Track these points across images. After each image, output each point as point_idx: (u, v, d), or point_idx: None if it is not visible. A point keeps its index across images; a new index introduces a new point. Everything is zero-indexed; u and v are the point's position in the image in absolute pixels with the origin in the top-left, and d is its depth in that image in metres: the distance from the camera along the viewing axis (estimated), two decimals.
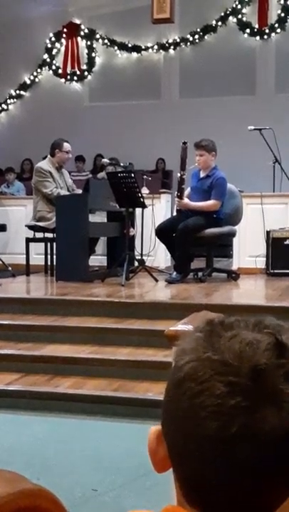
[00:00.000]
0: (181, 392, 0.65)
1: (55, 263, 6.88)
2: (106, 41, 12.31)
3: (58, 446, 3.50)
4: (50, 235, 7.03)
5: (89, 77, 12.54)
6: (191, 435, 0.64)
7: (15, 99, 12.94)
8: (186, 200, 6.46)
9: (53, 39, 12.57)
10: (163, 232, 6.52)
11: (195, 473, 0.65)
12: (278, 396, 0.62)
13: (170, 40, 11.90)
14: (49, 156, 7.30)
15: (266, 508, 0.66)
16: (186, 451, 0.65)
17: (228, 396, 0.62)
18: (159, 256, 7.71)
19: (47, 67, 12.70)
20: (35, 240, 7.29)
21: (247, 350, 0.64)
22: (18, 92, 12.87)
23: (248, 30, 11.42)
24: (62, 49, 12.56)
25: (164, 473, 0.71)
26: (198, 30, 11.67)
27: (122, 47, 12.21)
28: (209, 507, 0.65)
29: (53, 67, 12.66)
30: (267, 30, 11.30)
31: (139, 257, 6.95)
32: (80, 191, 7.23)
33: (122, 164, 7.71)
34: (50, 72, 12.71)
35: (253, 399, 0.62)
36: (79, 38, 12.45)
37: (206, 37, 11.71)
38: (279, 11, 11.23)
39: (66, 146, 7.24)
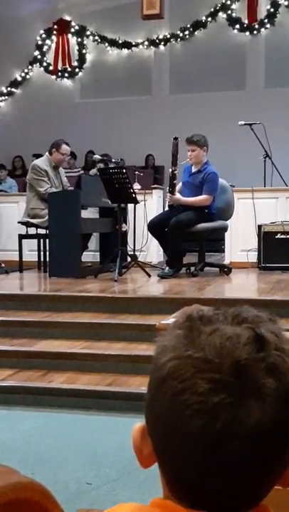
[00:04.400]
0: (164, 390, 0.65)
1: (48, 259, 6.86)
2: (96, 38, 12.29)
3: (52, 441, 3.50)
4: (42, 232, 7.02)
5: (80, 73, 12.52)
6: (176, 433, 0.64)
7: (6, 96, 12.90)
8: (177, 196, 6.46)
9: (44, 36, 12.53)
10: (155, 228, 6.51)
11: (181, 469, 0.65)
12: (261, 390, 0.63)
13: (160, 36, 11.89)
14: (47, 153, 7.27)
15: (252, 500, 0.67)
16: (171, 449, 0.65)
17: (211, 393, 0.62)
18: (152, 251, 7.71)
19: (38, 64, 12.67)
20: (27, 236, 7.27)
21: (227, 346, 0.64)
22: (9, 89, 12.83)
23: (237, 26, 11.42)
24: (53, 46, 12.53)
25: (158, 467, 0.71)
26: (188, 26, 11.66)
27: (113, 43, 12.19)
28: (195, 501, 0.66)
29: (44, 64, 12.63)
30: (256, 26, 11.30)
31: (132, 253, 6.95)
32: (72, 188, 7.22)
33: (113, 160, 7.70)
34: (41, 69, 12.68)
35: (236, 395, 0.62)
36: (69, 35, 12.42)
37: (196, 33, 11.70)
38: (268, 7, 11.23)
39: (64, 148, 7.21)
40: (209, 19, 11.56)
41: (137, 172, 8.07)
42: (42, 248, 7.21)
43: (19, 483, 0.65)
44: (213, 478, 0.63)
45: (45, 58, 12.64)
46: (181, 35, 11.76)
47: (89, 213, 7.28)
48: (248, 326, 0.66)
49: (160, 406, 0.65)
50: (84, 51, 12.45)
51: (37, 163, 7.20)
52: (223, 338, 0.64)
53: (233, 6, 11.40)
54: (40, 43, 12.57)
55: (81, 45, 12.43)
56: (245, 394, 0.62)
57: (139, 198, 6.78)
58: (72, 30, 12.38)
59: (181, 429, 0.63)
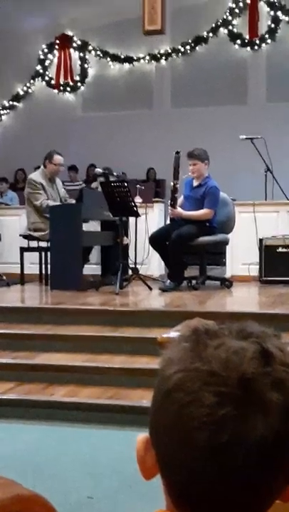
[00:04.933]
0: (170, 402, 0.65)
1: (49, 272, 6.87)
2: (98, 52, 12.36)
3: (53, 454, 3.49)
4: (44, 245, 7.03)
5: (82, 88, 12.58)
6: (181, 445, 0.64)
7: (8, 110, 12.96)
8: (179, 209, 6.47)
9: (46, 50, 12.62)
10: (156, 241, 6.52)
11: (185, 481, 0.66)
12: (266, 404, 0.63)
13: (162, 51, 11.95)
14: (42, 166, 7.30)
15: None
16: (175, 460, 0.66)
17: (217, 406, 0.63)
18: (153, 264, 7.72)
19: (40, 78, 12.74)
20: (29, 249, 7.28)
21: (234, 360, 0.64)
22: (11, 102, 12.90)
23: (238, 41, 11.49)
24: (55, 60, 12.61)
25: (160, 481, 0.71)
26: (190, 41, 11.73)
27: (115, 58, 12.26)
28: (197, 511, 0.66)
29: (46, 78, 12.70)
30: (257, 41, 11.37)
31: (133, 266, 6.95)
32: (73, 201, 7.23)
33: (115, 174, 7.72)
34: (43, 83, 12.75)
35: (242, 408, 0.63)
36: (72, 50, 12.50)
37: (197, 48, 11.77)
38: (269, 22, 11.30)
39: (57, 158, 7.20)
40: (210, 34, 11.64)
41: (138, 185, 8.10)
42: (43, 261, 7.22)
43: (21, 495, 0.65)
44: (215, 490, 0.64)
45: (47, 72, 12.71)
46: (182, 50, 11.83)
47: (90, 226, 7.29)
48: (254, 341, 0.66)
49: (166, 418, 0.66)
50: (86, 66, 12.52)
51: (32, 176, 7.21)
52: (229, 352, 0.65)
53: (234, 22, 11.48)
54: (42, 57, 12.65)
55: (83, 60, 12.51)
56: (251, 407, 0.63)
57: (140, 211, 6.80)
58: (75, 45, 12.46)
59: (186, 440, 0.64)
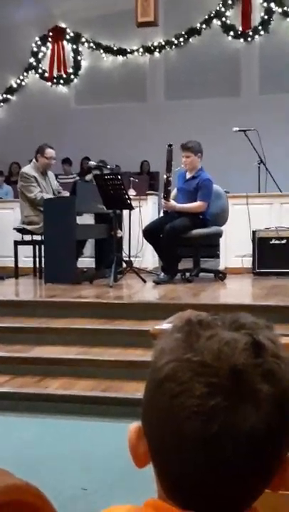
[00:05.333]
0: (161, 392, 0.66)
1: (43, 265, 6.87)
2: (92, 44, 12.32)
3: (48, 447, 3.50)
4: (38, 238, 7.02)
5: (75, 80, 12.55)
6: (172, 435, 0.65)
7: (2, 103, 12.91)
8: (172, 202, 6.47)
9: (39, 43, 12.57)
10: (150, 234, 6.53)
11: (175, 470, 0.66)
12: (256, 395, 0.64)
13: (155, 43, 11.93)
14: (34, 160, 7.29)
15: (244, 501, 0.68)
16: (166, 450, 0.66)
17: (208, 396, 0.63)
18: (147, 257, 7.73)
19: (33, 70, 12.70)
20: (23, 242, 7.27)
21: (225, 351, 0.65)
22: (4, 95, 12.85)
23: (231, 33, 11.46)
24: (49, 53, 12.56)
25: (153, 472, 0.72)
26: (183, 33, 11.70)
27: (108, 50, 12.22)
28: (188, 501, 0.67)
29: (39, 71, 12.66)
30: (250, 33, 11.35)
31: (127, 258, 6.96)
32: (66, 193, 7.22)
33: (108, 167, 7.72)
34: (37, 75, 12.70)
35: (232, 399, 0.63)
36: (65, 42, 12.45)
37: (190, 40, 11.75)
38: (262, 14, 11.28)
39: (48, 152, 7.19)
40: (204, 26, 11.61)
41: (132, 178, 8.10)
42: (37, 254, 7.22)
43: (13, 485, 0.66)
44: (205, 480, 0.65)
45: (40, 65, 12.66)
46: (175, 42, 11.80)
47: (84, 219, 7.29)
48: (246, 332, 0.67)
49: (157, 407, 0.66)
50: (79, 58, 12.48)
51: (24, 170, 7.20)
52: (221, 343, 0.65)
53: (227, 13, 11.46)
54: (35, 49, 12.60)
55: (76, 52, 12.47)
56: (241, 398, 0.63)
57: (134, 204, 6.80)
58: (68, 37, 12.41)
59: (177, 430, 0.64)
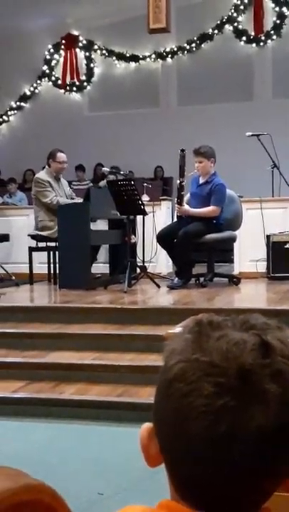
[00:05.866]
0: (170, 392, 0.67)
1: (58, 271, 6.90)
2: (104, 52, 12.38)
3: (63, 451, 3.52)
4: (52, 244, 7.05)
5: (88, 87, 12.61)
6: (181, 435, 0.66)
7: (15, 111, 13.01)
8: (186, 207, 6.48)
9: (52, 51, 12.65)
10: (164, 239, 6.53)
11: (186, 470, 0.67)
12: (265, 395, 0.64)
13: (167, 49, 11.96)
14: (46, 166, 7.33)
15: (254, 502, 0.68)
16: (176, 450, 0.67)
17: (216, 396, 0.64)
18: (161, 262, 7.73)
19: (46, 78, 12.78)
20: (37, 249, 7.31)
21: (234, 351, 0.65)
22: (18, 103, 12.94)
23: (244, 38, 11.47)
24: (61, 60, 12.64)
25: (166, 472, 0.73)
26: (195, 38, 11.73)
27: (120, 57, 12.28)
28: (200, 502, 0.67)
29: (53, 79, 12.74)
30: (263, 37, 11.35)
31: (141, 264, 6.97)
32: (80, 200, 7.25)
33: (122, 172, 7.74)
34: (50, 83, 12.78)
35: (240, 399, 0.64)
36: (77, 49, 12.52)
37: (202, 45, 11.77)
38: (274, 18, 11.28)
39: (60, 156, 7.23)
40: (216, 31, 11.63)
41: (145, 184, 8.11)
42: (52, 260, 7.26)
43: (30, 484, 0.67)
44: (214, 479, 0.65)
45: (53, 72, 12.74)
46: (188, 47, 11.83)
47: (98, 225, 7.31)
48: (255, 333, 0.67)
49: (166, 407, 0.67)
50: (92, 65, 12.55)
51: (39, 175, 7.25)
52: (230, 344, 0.66)
53: (240, 18, 11.47)
54: (48, 57, 12.68)
55: (89, 59, 12.53)
56: (249, 398, 0.64)
57: (147, 209, 6.81)
58: (80, 44, 12.48)
59: (186, 430, 0.65)
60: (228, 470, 0.64)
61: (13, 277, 7.19)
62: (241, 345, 0.66)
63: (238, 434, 0.63)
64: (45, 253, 7.29)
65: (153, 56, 12.04)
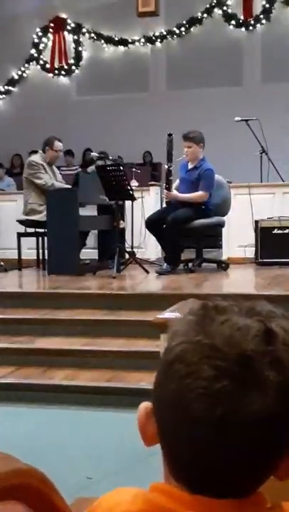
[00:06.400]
0: (171, 373, 0.68)
1: (46, 257, 6.89)
2: (93, 35, 12.29)
3: (53, 437, 3.53)
4: (41, 230, 7.04)
5: (76, 71, 12.52)
6: (179, 416, 0.66)
7: (3, 95, 12.91)
8: (174, 192, 6.48)
9: (40, 34, 12.54)
10: (153, 224, 6.54)
11: (182, 452, 0.68)
12: (263, 382, 0.65)
13: (156, 33, 11.89)
14: (40, 151, 7.30)
15: (248, 487, 0.69)
16: (173, 431, 0.68)
17: (215, 379, 0.64)
18: (150, 248, 7.74)
19: (34, 62, 12.68)
20: (26, 234, 7.29)
21: (236, 336, 0.66)
22: (6, 87, 12.84)
23: (233, 22, 11.43)
24: (50, 44, 12.54)
25: (159, 461, 0.73)
26: (184, 22, 11.66)
27: (109, 40, 12.19)
28: (193, 483, 0.68)
29: (41, 62, 12.64)
30: (252, 22, 11.31)
31: (130, 249, 6.97)
32: (69, 187, 7.24)
33: (110, 158, 7.72)
34: (38, 67, 12.69)
35: (238, 383, 0.64)
36: (66, 33, 12.42)
37: (192, 29, 11.71)
38: (264, 2, 11.23)
39: (57, 145, 7.24)
40: (205, 15, 11.57)
41: (134, 169, 8.09)
42: (40, 246, 7.24)
43: (19, 469, 0.68)
44: (210, 462, 0.66)
45: (41, 56, 12.64)
46: (177, 31, 11.76)
47: (87, 211, 7.30)
48: (260, 319, 0.68)
49: (166, 388, 0.68)
50: (80, 49, 12.46)
51: (33, 158, 7.25)
52: (233, 329, 0.66)
53: (229, 2, 11.41)
54: (36, 41, 12.57)
55: (77, 43, 12.44)
56: (248, 384, 0.64)
57: (136, 194, 6.81)
58: (69, 27, 12.38)
59: (183, 411, 0.66)
60: (223, 453, 0.65)
61: (2, 263, 7.17)
62: (244, 331, 0.66)
63: (234, 418, 0.64)
64: (34, 239, 7.28)
65: (142, 40, 11.97)
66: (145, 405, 0.73)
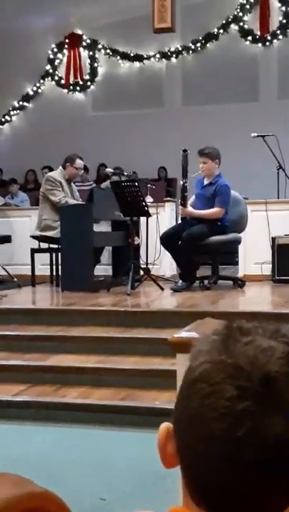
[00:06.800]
0: (193, 392, 0.67)
1: (60, 273, 6.90)
2: (108, 51, 12.40)
3: (66, 456, 3.51)
4: (54, 246, 7.06)
5: (92, 87, 12.62)
6: (199, 435, 0.66)
7: (18, 111, 13.02)
8: (189, 209, 6.48)
9: (56, 50, 12.66)
10: (168, 241, 6.53)
11: (201, 473, 0.67)
12: (287, 404, 0.64)
13: (172, 49, 11.97)
14: (61, 167, 7.34)
15: (271, 510, 0.67)
16: (193, 451, 0.67)
17: (237, 399, 0.64)
18: (165, 264, 7.73)
19: (50, 78, 12.79)
20: (40, 250, 7.31)
21: (260, 357, 0.65)
22: (21, 103, 12.96)
23: (249, 38, 11.48)
24: (65, 60, 12.66)
25: (173, 482, 0.72)
26: (200, 38, 11.74)
27: (124, 56, 12.29)
28: (214, 507, 0.67)
29: (56, 78, 12.75)
30: (269, 37, 11.36)
31: (145, 266, 6.97)
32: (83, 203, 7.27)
33: (125, 173, 7.74)
34: (53, 82, 12.80)
35: (261, 405, 0.64)
36: (81, 49, 12.54)
37: (207, 45, 11.78)
38: (280, 18, 11.29)
39: (78, 162, 7.30)
40: (221, 31, 11.64)
41: (149, 185, 8.11)
42: (54, 262, 7.26)
43: (35, 492, 0.67)
44: (229, 485, 0.65)
45: (56, 72, 12.76)
46: (192, 47, 11.84)
47: (101, 227, 7.32)
48: (285, 341, 0.67)
49: (187, 407, 0.68)
50: (96, 64, 12.56)
51: (51, 174, 7.31)
52: (257, 350, 0.66)
53: (245, 18, 11.48)
54: (51, 57, 12.70)
55: (93, 59, 12.55)
56: (271, 405, 0.64)
57: (151, 210, 6.81)
58: (84, 43, 12.50)
59: (204, 431, 0.65)
60: (244, 475, 0.64)
61: (15, 279, 7.19)
62: (269, 352, 0.66)
63: (255, 439, 0.63)
64: (48, 254, 7.30)
65: (157, 56, 12.05)
66: (166, 425, 0.73)
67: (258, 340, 0.67)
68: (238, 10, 11.48)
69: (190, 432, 0.67)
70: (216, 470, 0.65)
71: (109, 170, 8.11)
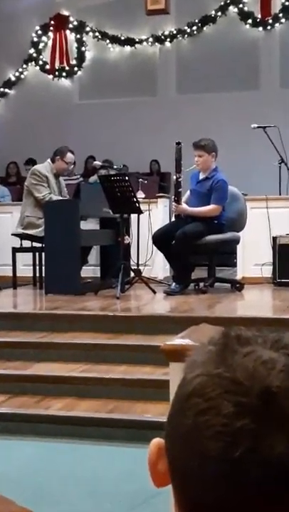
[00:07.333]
0: (187, 407, 0.66)
1: (44, 274, 6.90)
2: (97, 34, 12.39)
3: (50, 472, 3.52)
4: (38, 245, 7.05)
5: (79, 72, 12.61)
6: (194, 454, 0.65)
7: None
8: (183, 205, 6.49)
9: (40, 32, 12.64)
10: (160, 240, 6.54)
11: (196, 493, 0.66)
12: (288, 422, 0.63)
13: (166, 32, 11.98)
14: (49, 160, 7.32)
15: None
16: (186, 470, 0.67)
17: (235, 417, 0.63)
18: (157, 265, 7.74)
19: (33, 62, 12.77)
20: (22, 249, 7.31)
21: (260, 370, 0.65)
22: (2, 89, 12.93)
23: (250, 21, 11.50)
24: (50, 43, 12.65)
25: (164, 501, 0.73)
26: (196, 21, 11.75)
27: (115, 40, 12.28)
28: None
29: (40, 63, 12.73)
30: (270, 21, 11.39)
31: (135, 267, 6.98)
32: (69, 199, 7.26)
33: (115, 167, 7.75)
34: (37, 67, 12.78)
35: (260, 422, 0.63)
36: (67, 31, 12.53)
37: (204, 28, 11.79)
38: (283, 0, 11.31)
39: (69, 156, 7.28)
40: (219, 13, 11.65)
41: (140, 179, 8.11)
42: (37, 262, 7.25)
43: None
44: (226, 506, 0.64)
45: (41, 56, 12.74)
46: (188, 30, 11.85)
47: (89, 224, 7.32)
48: (287, 353, 0.67)
49: (181, 423, 0.67)
50: (83, 48, 12.56)
51: (37, 167, 7.28)
52: (257, 362, 0.65)
53: (245, 0, 11.50)
54: (35, 39, 12.68)
55: (80, 42, 12.54)
56: (271, 423, 0.63)
57: (143, 207, 6.82)
58: (71, 25, 12.49)
59: (199, 449, 0.65)
60: (240, 496, 0.64)
61: None
62: (270, 365, 0.65)
63: (254, 460, 0.62)
64: (30, 254, 7.29)
65: (150, 39, 12.05)
66: (158, 441, 0.72)
67: (257, 351, 0.67)
68: None
69: (183, 449, 0.66)
70: (211, 490, 0.65)
71: (97, 163, 8.10)
